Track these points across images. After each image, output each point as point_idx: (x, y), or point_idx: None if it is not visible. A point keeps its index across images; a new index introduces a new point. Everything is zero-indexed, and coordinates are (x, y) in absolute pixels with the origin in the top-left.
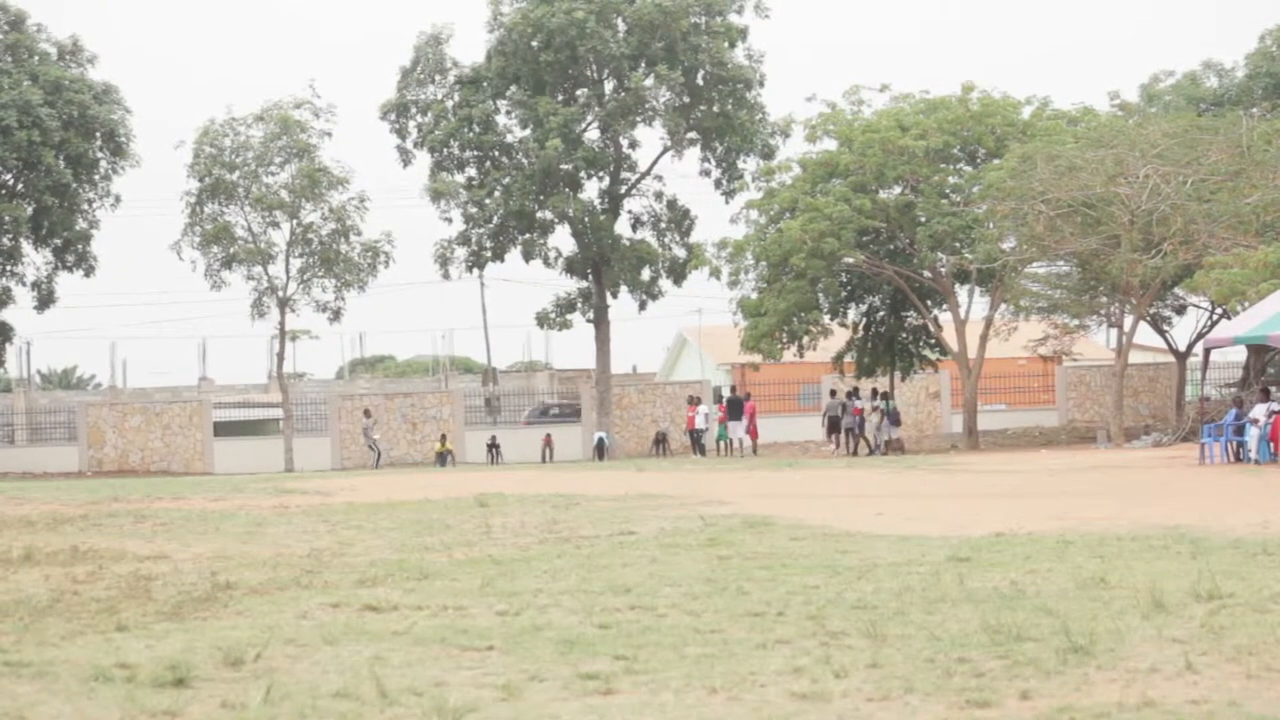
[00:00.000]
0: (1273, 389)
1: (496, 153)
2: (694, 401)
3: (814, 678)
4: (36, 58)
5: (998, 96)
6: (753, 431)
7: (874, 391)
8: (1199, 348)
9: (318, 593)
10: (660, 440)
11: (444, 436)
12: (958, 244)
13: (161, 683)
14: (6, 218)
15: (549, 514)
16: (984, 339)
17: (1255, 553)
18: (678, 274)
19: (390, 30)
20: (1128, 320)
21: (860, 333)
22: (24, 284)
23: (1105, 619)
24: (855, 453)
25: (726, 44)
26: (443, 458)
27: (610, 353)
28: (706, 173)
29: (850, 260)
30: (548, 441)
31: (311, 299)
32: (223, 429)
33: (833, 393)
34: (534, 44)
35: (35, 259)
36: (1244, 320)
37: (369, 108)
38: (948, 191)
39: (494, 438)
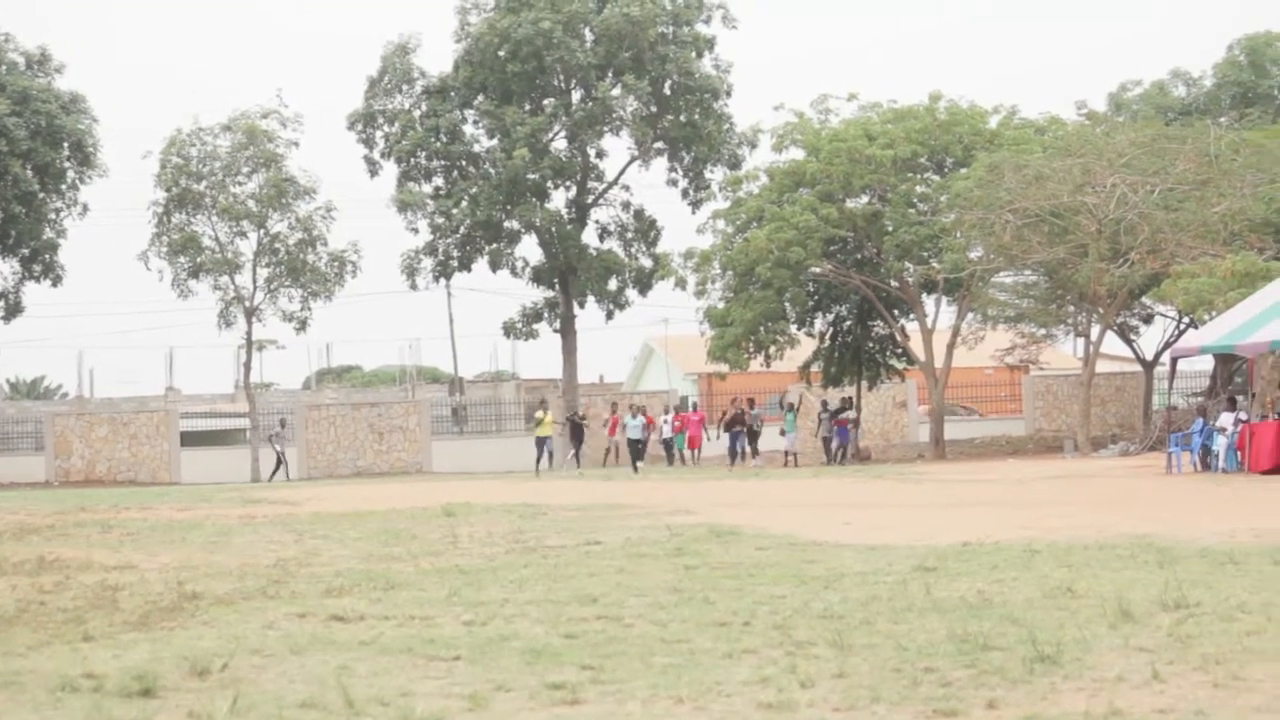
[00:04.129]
0: (1239, 398)
1: (463, 162)
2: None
3: (780, 687)
4: (4, 67)
5: (965, 106)
6: (695, 440)
7: (823, 404)
8: (1166, 357)
9: (284, 602)
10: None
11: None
12: (925, 253)
13: (128, 693)
14: None
15: (515, 524)
16: (951, 348)
17: (1222, 562)
18: (644, 284)
19: (357, 40)
20: (1095, 329)
21: (827, 342)
22: None
23: (1072, 628)
24: (841, 461)
25: (694, 54)
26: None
27: (577, 362)
28: (673, 182)
29: (817, 270)
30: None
31: (278, 309)
32: (190, 439)
33: (751, 403)
34: (501, 54)
35: (2, 268)
36: (1211, 330)
37: (336, 118)
38: (915, 201)
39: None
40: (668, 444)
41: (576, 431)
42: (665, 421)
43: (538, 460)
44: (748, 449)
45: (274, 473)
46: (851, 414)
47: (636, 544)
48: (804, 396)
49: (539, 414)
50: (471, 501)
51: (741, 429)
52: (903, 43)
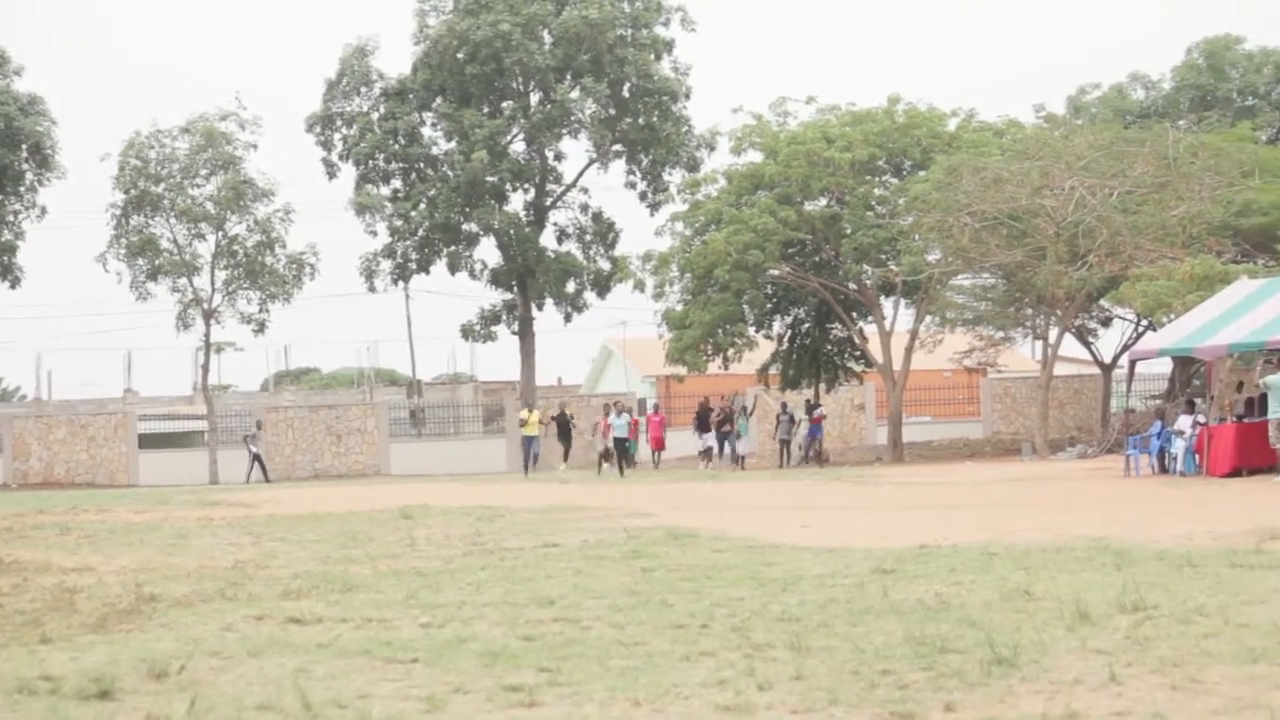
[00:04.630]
0: (1198, 401)
1: (422, 165)
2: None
3: (738, 690)
4: None
5: (923, 109)
6: (658, 442)
7: (808, 403)
8: (1124, 360)
9: (242, 605)
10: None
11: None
12: (883, 256)
13: (86, 695)
14: None
15: (473, 526)
16: (909, 351)
17: (1180, 564)
18: (603, 286)
19: (316, 42)
20: (1053, 332)
21: (785, 345)
22: None
23: (1029, 630)
24: (818, 459)
25: (652, 56)
26: (529, 443)
27: (535, 365)
28: (632, 185)
29: (775, 272)
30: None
31: (236, 311)
32: (148, 441)
33: (707, 404)
34: (460, 56)
35: None
36: (1169, 332)
37: (295, 120)
38: (873, 203)
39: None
40: (620, 445)
41: (564, 431)
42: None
43: (525, 461)
44: (735, 450)
45: (249, 473)
46: (823, 411)
47: (594, 546)
48: (759, 398)
49: (524, 414)
50: (429, 504)
51: (731, 429)
52: (861, 46)
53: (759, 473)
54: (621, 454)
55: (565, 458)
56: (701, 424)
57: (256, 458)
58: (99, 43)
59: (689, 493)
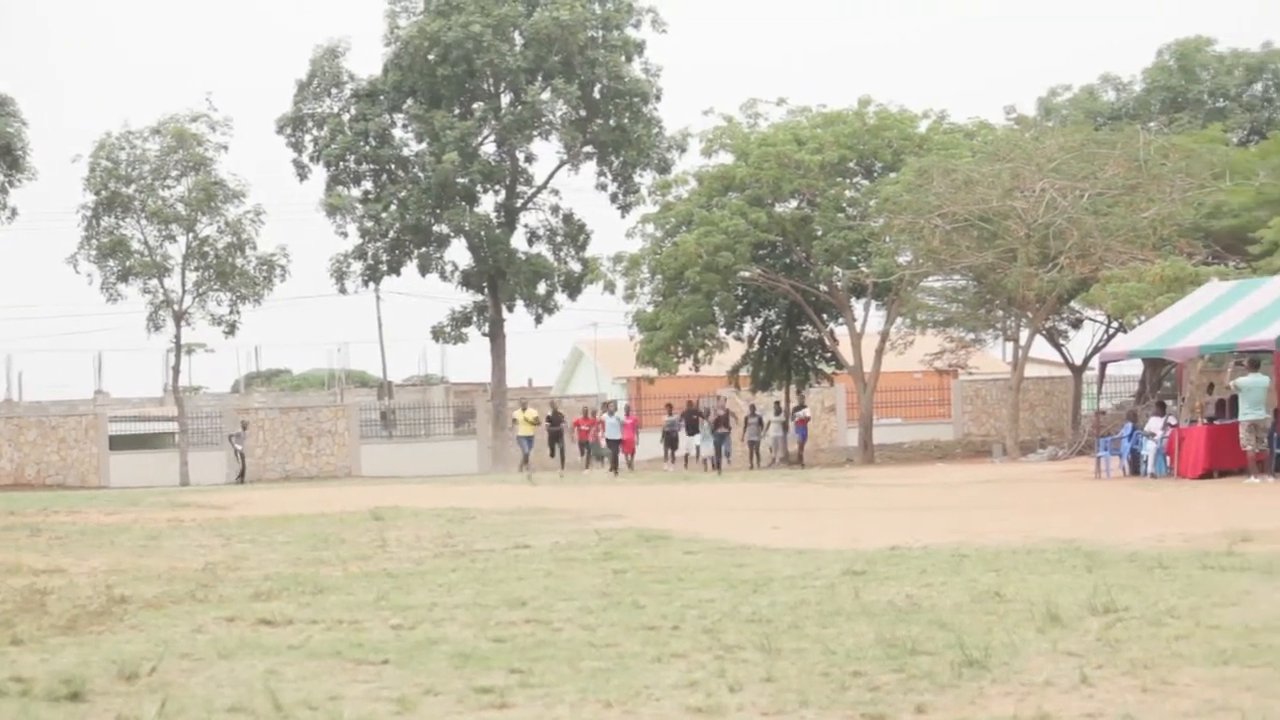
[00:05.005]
0: (1168, 403)
1: (393, 166)
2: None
3: (709, 691)
4: None
5: (894, 110)
6: (629, 445)
7: (776, 405)
8: (1095, 361)
9: (212, 607)
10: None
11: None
12: (854, 257)
13: (56, 697)
14: None
15: (444, 528)
16: (880, 352)
17: (1151, 566)
18: (573, 288)
19: (287, 44)
20: (1024, 334)
21: (756, 346)
22: None
23: (1000, 632)
24: (800, 461)
25: (623, 58)
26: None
27: (506, 366)
28: (603, 186)
29: (746, 274)
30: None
31: (207, 312)
32: (118, 442)
33: (669, 408)
34: (431, 57)
35: None
36: (1140, 334)
37: (265, 121)
38: (844, 205)
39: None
40: (614, 445)
41: (556, 432)
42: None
43: (524, 462)
44: (727, 452)
45: (240, 473)
46: (807, 412)
47: (565, 548)
48: (725, 400)
49: (518, 413)
50: (400, 505)
51: (726, 430)
52: (832, 48)
53: (729, 474)
54: (614, 454)
55: (561, 461)
56: (690, 426)
57: (241, 457)
58: (69, 44)
59: (660, 494)
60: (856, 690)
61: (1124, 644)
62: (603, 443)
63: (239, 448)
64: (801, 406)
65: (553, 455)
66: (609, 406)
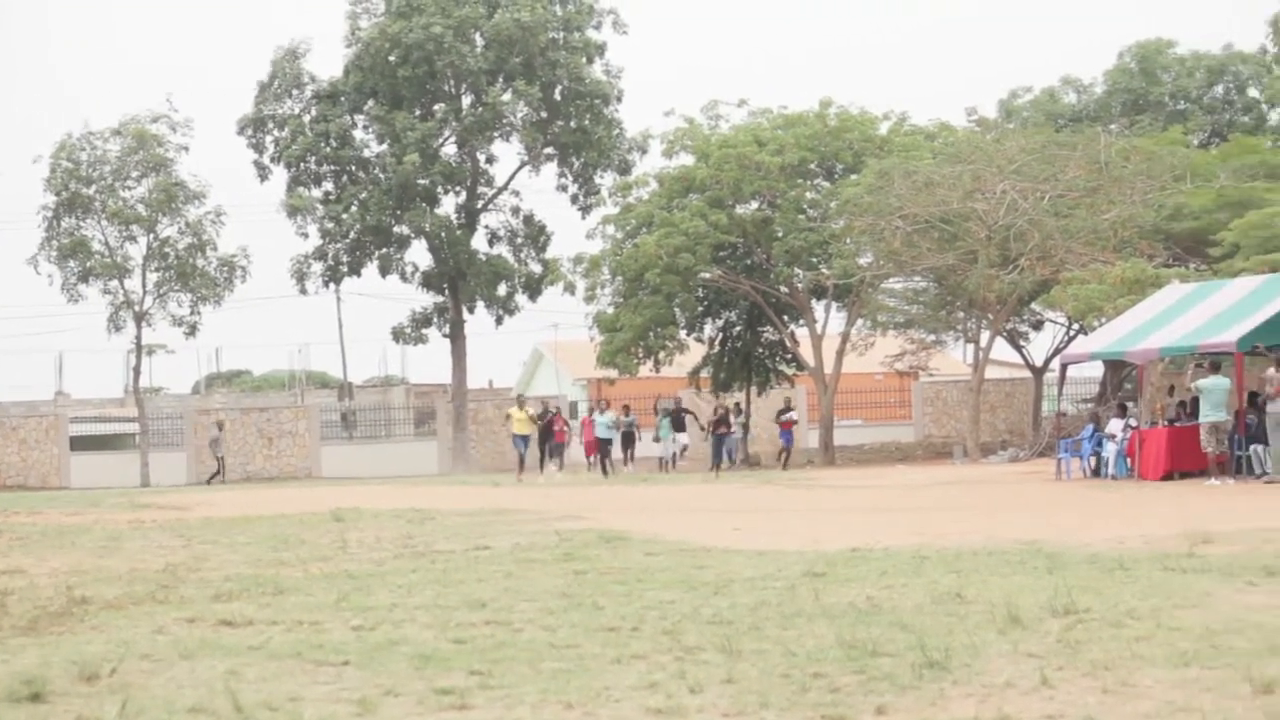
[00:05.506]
0: (1129, 405)
1: (353, 167)
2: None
3: (669, 693)
4: None
5: (855, 112)
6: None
7: (737, 407)
8: (1056, 363)
9: (173, 607)
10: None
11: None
12: (814, 259)
13: (17, 698)
14: None
15: (404, 529)
16: (840, 354)
17: (1111, 568)
18: (534, 289)
19: (248, 45)
20: (984, 335)
21: (716, 348)
22: None
23: (961, 634)
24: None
25: (584, 59)
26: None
27: (466, 367)
28: (563, 188)
29: (707, 275)
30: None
31: (168, 313)
32: (79, 443)
33: (627, 409)
34: (392, 59)
35: None
36: (1101, 336)
37: (226, 122)
38: (805, 207)
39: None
40: (604, 445)
41: (548, 432)
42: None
43: (521, 462)
44: (731, 454)
45: (220, 475)
46: (795, 415)
47: (526, 549)
48: (681, 401)
49: (513, 410)
50: (360, 506)
51: (727, 431)
52: (793, 50)
53: (691, 475)
54: (604, 454)
55: (559, 462)
56: (676, 423)
57: (219, 458)
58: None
59: (621, 496)
60: (817, 692)
61: (1085, 645)
62: (570, 444)
63: (220, 452)
64: (789, 410)
65: (543, 454)
66: (600, 404)
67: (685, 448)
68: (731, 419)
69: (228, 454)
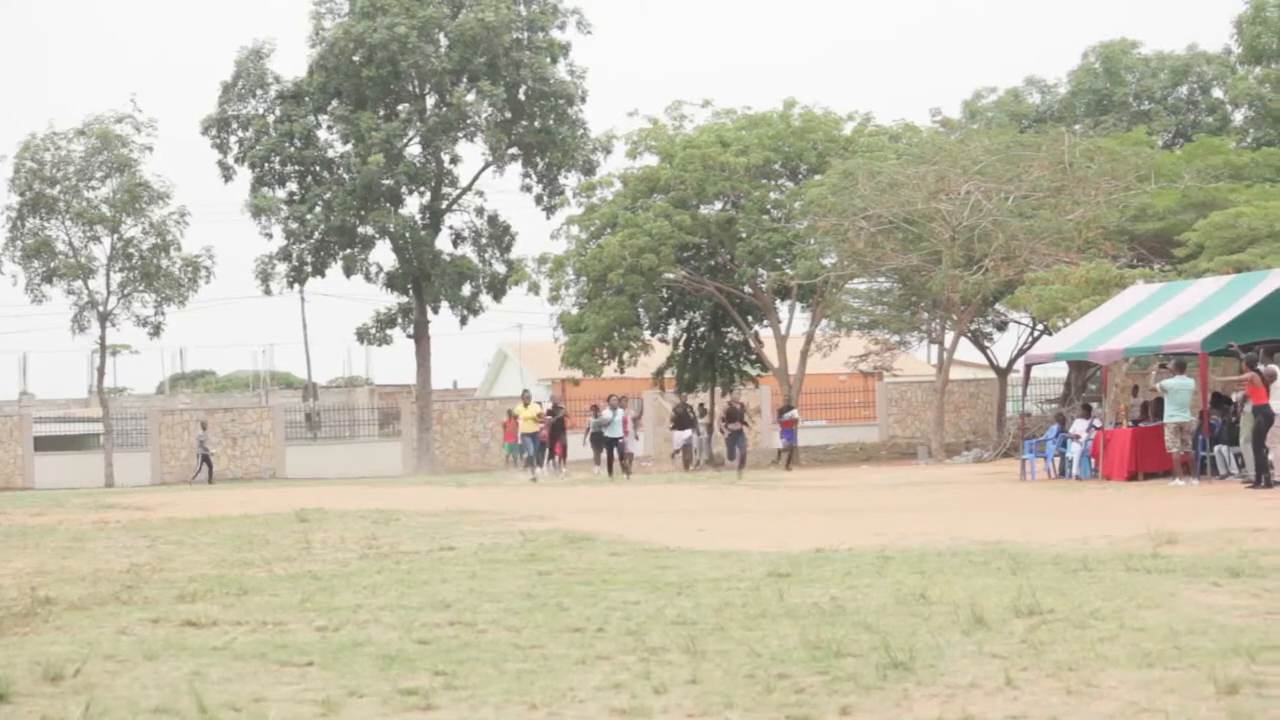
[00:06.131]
0: (1094, 405)
1: (318, 168)
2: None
3: (634, 694)
4: None
5: (819, 112)
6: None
7: (700, 408)
8: (1020, 364)
9: (137, 608)
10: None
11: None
12: (779, 259)
13: None
14: None
15: (369, 529)
16: (804, 355)
17: (1075, 569)
18: (498, 290)
19: (212, 45)
20: (949, 336)
21: (681, 348)
22: None
23: (925, 635)
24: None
25: (549, 60)
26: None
27: (431, 368)
28: (528, 188)
29: (671, 276)
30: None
31: (132, 314)
32: (44, 444)
33: (595, 409)
34: (356, 59)
35: None
36: (1065, 337)
37: (191, 123)
38: (769, 207)
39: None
40: (611, 444)
41: (556, 429)
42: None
43: (530, 461)
44: (743, 452)
45: (207, 473)
46: (796, 414)
47: (490, 550)
48: (627, 400)
49: (518, 409)
50: (325, 507)
51: (741, 427)
52: (757, 49)
53: (654, 476)
54: (611, 454)
55: (563, 458)
56: (680, 423)
57: (204, 458)
58: None
59: (586, 496)
60: (781, 692)
61: (1049, 646)
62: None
63: (206, 450)
64: (790, 408)
65: (551, 453)
66: (610, 400)
67: (688, 443)
68: (747, 416)
69: (192, 455)
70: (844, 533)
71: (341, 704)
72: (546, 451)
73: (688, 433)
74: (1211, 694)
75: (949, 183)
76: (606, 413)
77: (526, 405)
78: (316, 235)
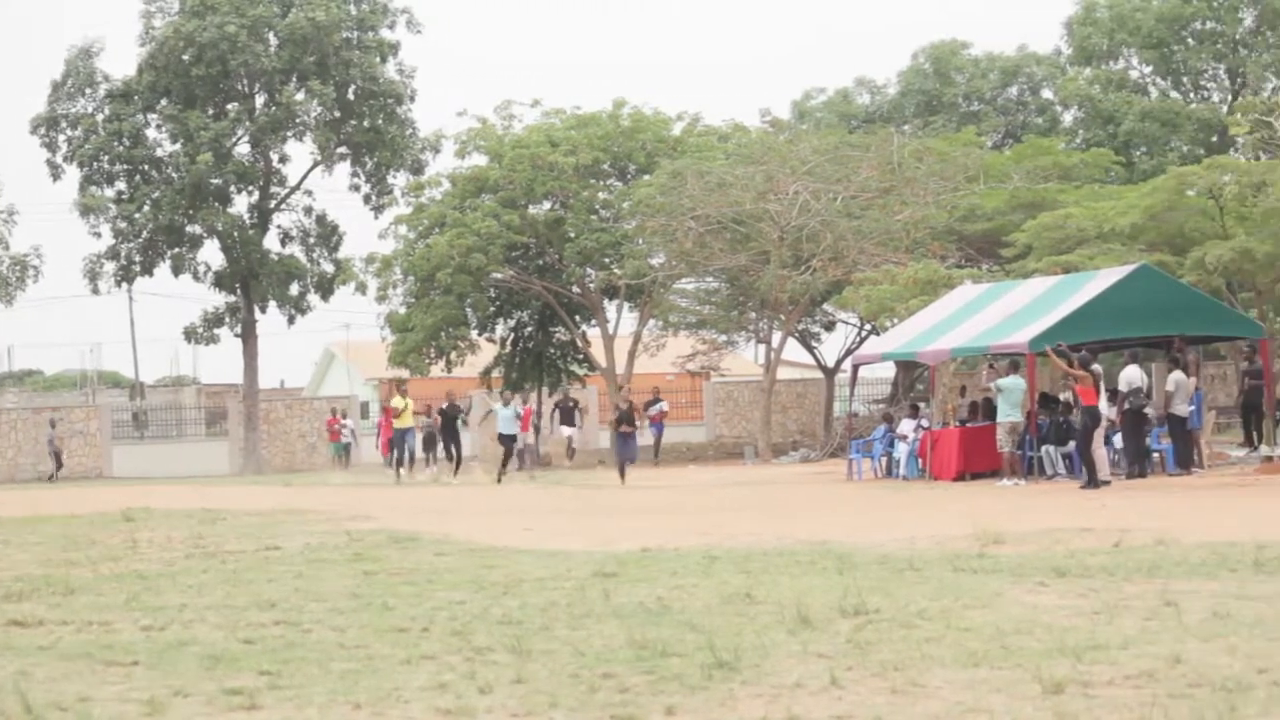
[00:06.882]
0: (921, 405)
1: (146, 167)
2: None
3: (459, 694)
4: None
5: (649, 113)
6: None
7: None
8: (848, 364)
9: None
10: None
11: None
12: (607, 259)
13: None
14: None
15: (195, 529)
16: (632, 354)
17: (901, 569)
18: (326, 289)
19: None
20: (776, 336)
21: (508, 348)
22: None
23: (750, 634)
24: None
25: (378, 59)
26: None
27: (258, 367)
28: (356, 188)
29: (499, 275)
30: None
31: None
32: None
33: (428, 409)
34: (185, 58)
35: None
36: (893, 337)
37: (19, 121)
38: (597, 207)
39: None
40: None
41: (450, 428)
42: (344, 427)
43: (398, 462)
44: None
45: (55, 472)
46: (665, 406)
47: (316, 549)
48: (482, 401)
49: (396, 401)
50: (151, 506)
51: (633, 428)
52: (587, 50)
53: (481, 477)
54: (507, 452)
55: (456, 461)
56: (565, 417)
57: (56, 455)
58: None
59: (413, 497)
60: (606, 692)
61: (874, 646)
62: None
63: (56, 448)
64: (657, 400)
65: (449, 452)
66: (504, 397)
67: (571, 440)
68: (635, 416)
69: (19, 454)
70: (671, 532)
71: (167, 704)
72: (439, 447)
73: (574, 429)
74: (1037, 693)
75: (778, 183)
76: (498, 406)
77: (405, 399)
78: (145, 234)
